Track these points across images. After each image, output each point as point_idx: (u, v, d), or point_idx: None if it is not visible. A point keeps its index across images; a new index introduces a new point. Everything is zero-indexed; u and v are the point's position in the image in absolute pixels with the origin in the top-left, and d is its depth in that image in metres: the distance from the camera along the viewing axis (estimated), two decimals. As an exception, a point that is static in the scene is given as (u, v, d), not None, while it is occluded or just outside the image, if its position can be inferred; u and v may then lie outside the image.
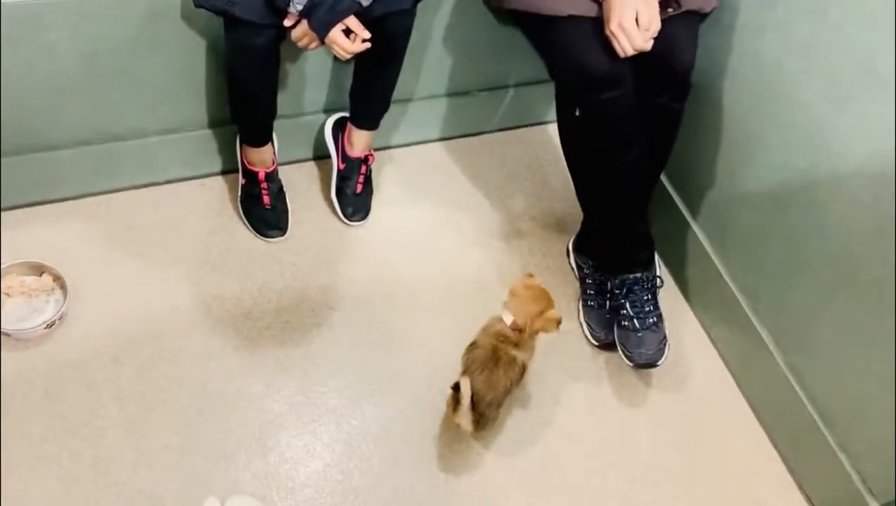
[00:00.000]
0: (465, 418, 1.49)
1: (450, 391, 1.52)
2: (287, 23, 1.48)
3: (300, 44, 1.51)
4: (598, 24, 1.51)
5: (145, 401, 1.57)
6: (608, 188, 1.70)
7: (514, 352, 1.54)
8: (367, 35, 1.48)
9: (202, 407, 1.58)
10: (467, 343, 1.58)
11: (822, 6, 1.46)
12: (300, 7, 1.42)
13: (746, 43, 1.65)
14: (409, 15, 1.61)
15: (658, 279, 1.78)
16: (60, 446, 1.49)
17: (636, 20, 1.44)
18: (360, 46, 1.49)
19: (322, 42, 1.48)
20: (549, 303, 1.58)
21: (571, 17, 1.53)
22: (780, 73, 1.58)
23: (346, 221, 1.92)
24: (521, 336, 1.55)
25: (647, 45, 1.46)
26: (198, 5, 1.47)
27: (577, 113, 1.57)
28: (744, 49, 1.66)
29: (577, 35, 1.53)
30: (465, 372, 1.52)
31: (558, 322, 1.57)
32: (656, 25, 1.46)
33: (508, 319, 1.55)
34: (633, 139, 1.61)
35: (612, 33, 1.46)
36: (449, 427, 1.63)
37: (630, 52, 1.47)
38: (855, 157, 1.44)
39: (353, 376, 1.68)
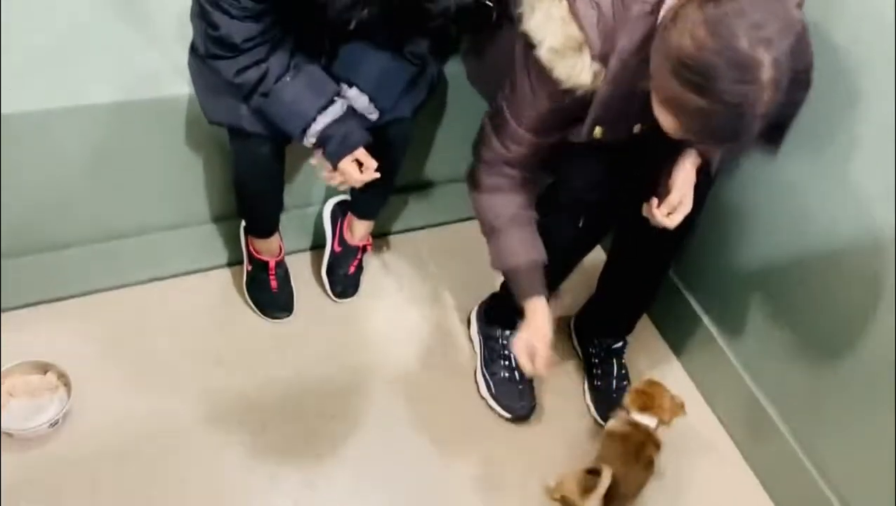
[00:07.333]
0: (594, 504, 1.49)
1: (577, 471, 1.55)
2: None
3: (321, 177, 1.56)
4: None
5: (150, 499, 1.55)
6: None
7: (654, 455, 1.58)
8: (375, 165, 1.52)
9: (207, 503, 1.56)
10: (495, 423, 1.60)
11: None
12: (313, 140, 1.46)
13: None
14: (408, 123, 1.65)
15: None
16: (63, 549, 1.47)
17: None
18: (369, 176, 1.52)
19: (334, 169, 1.51)
20: (664, 390, 1.64)
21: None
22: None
23: (334, 298, 1.93)
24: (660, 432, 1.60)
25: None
26: (212, 122, 1.51)
27: (581, 224, 1.58)
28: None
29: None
30: (601, 458, 1.56)
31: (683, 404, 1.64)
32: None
33: (653, 422, 1.59)
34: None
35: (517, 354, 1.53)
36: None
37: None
38: (847, 233, 1.46)
39: (357, 466, 1.66)
